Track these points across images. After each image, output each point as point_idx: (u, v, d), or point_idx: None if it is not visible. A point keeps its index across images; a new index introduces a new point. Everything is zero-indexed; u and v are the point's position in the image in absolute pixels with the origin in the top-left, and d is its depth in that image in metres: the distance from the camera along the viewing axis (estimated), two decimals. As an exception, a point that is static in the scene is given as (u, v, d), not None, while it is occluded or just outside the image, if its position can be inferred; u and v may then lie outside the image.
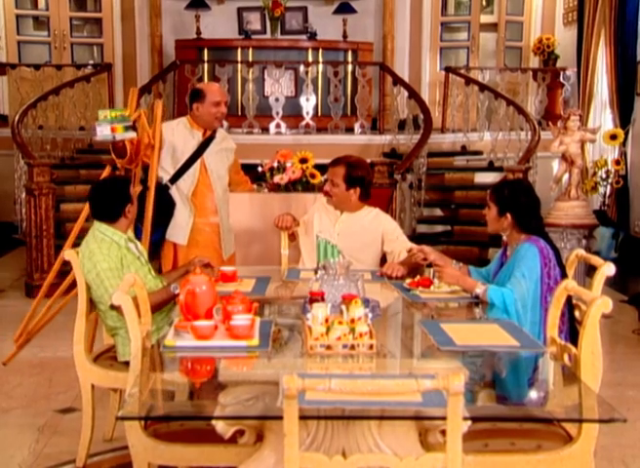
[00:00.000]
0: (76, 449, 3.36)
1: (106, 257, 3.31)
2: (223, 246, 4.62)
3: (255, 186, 5.28)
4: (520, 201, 3.41)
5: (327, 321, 2.58)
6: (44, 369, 4.74)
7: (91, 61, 10.04)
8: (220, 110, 4.46)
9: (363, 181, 4.02)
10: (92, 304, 3.40)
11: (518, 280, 3.24)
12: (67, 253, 3.34)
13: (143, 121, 4.26)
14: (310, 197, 4.98)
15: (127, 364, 3.00)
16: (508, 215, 3.40)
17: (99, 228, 3.41)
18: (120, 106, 9.13)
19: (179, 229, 4.49)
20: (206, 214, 4.55)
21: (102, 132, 3.98)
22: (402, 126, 8.70)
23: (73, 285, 3.58)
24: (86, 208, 4.40)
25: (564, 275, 3.33)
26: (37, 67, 9.27)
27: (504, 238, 3.55)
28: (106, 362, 3.44)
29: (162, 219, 4.37)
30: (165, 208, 4.37)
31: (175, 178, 4.46)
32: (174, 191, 4.47)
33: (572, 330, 3.20)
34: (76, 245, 3.54)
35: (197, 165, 4.49)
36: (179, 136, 4.47)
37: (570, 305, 3.14)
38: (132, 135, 4.07)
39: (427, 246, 3.72)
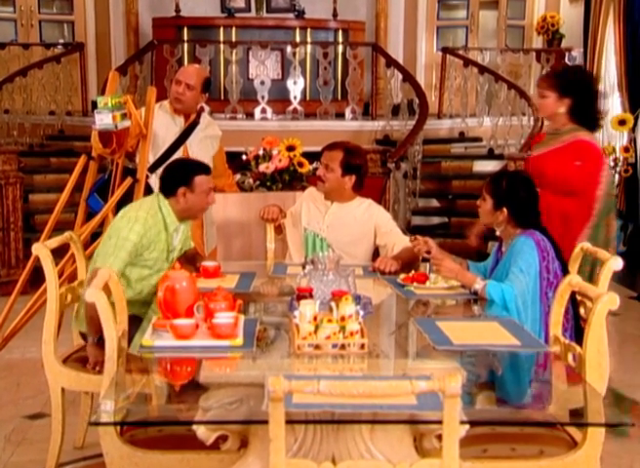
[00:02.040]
0: (45, 458, 3.34)
1: (141, 233, 3.38)
2: (206, 240, 4.63)
3: (238, 176, 5.27)
4: (519, 195, 3.41)
5: (315, 319, 2.58)
6: (11, 372, 4.72)
7: (61, 40, 10.00)
8: (177, 89, 4.45)
9: (360, 170, 4.04)
10: (62, 302, 3.39)
11: (516, 275, 3.25)
12: (35, 248, 3.33)
13: (131, 107, 4.25)
14: (290, 195, 4.94)
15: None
16: (504, 210, 3.40)
17: (162, 201, 3.54)
18: (94, 89, 9.13)
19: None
20: None
21: (103, 120, 3.98)
22: (396, 111, 8.70)
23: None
24: (61, 199, 4.39)
25: (564, 269, 3.35)
26: (2, 46, 9.22)
27: (498, 233, 3.56)
28: (77, 363, 3.42)
29: None
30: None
31: (155, 167, 4.46)
32: (153, 181, 4.47)
33: (577, 328, 3.23)
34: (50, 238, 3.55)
35: (180, 153, 4.49)
36: (160, 121, 4.47)
37: (574, 301, 3.15)
38: (128, 123, 4.09)
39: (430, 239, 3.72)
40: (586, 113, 4.12)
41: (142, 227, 3.40)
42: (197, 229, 4.59)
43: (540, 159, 4.21)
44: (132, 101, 4.29)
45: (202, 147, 4.57)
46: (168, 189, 3.56)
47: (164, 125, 4.48)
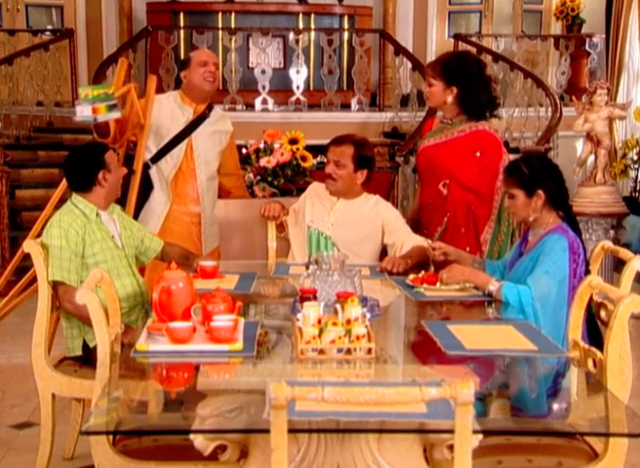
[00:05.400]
0: (33, 469, 3.36)
1: (63, 233, 3.40)
2: (204, 239, 4.64)
3: (249, 174, 5.27)
4: (549, 173, 3.37)
5: (319, 322, 2.59)
6: (-3, 378, 4.75)
7: (49, 26, 10.00)
8: (209, 70, 4.50)
9: (370, 163, 4.07)
10: (54, 303, 3.40)
11: (540, 277, 3.22)
12: (27, 245, 3.34)
13: (134, 96, 4.29)
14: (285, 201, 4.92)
15: (76, 360, 3.36)
16: (541, 193, 3.33)
17: (73, 199, 3.57)
18: (84, 79, 9.14)
19: (152, 216, 4.51)
20: (185, 202, 4.57)
21: (83, 112, 4.04)
22: (405, 102, 8.70)
23: (33, 281, 3.59)
24: (55, 194, 4.41)
25: (587, 271, 3.32)
26: (-14, 32, 9.23)
27: (531, 220, 3.46)
28: (69, 368, 3.45)
29: (136, 202, 4.39)
30: (141, 189, 4.39)
31: (157, 158, 4.48)
32: (153, 172, 4.50)
33: (590, 331, 3.19)
34: (38, 236, 3.56)
35: (183, 146, 4.52)
36: (166, 110, 4.51)
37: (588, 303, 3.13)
38: (115, 114, 4.12)
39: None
40: (475, 103, 4.11)
41: (59, 228, 3.42)
42: (193, 227, 4.61)
43: (435, 149, 4.24)
44: (135, 90, 4.33)
45: (208, 142, 4.58)
46: (86, 181, 3.54)
47: (169, 114, 4.52)
